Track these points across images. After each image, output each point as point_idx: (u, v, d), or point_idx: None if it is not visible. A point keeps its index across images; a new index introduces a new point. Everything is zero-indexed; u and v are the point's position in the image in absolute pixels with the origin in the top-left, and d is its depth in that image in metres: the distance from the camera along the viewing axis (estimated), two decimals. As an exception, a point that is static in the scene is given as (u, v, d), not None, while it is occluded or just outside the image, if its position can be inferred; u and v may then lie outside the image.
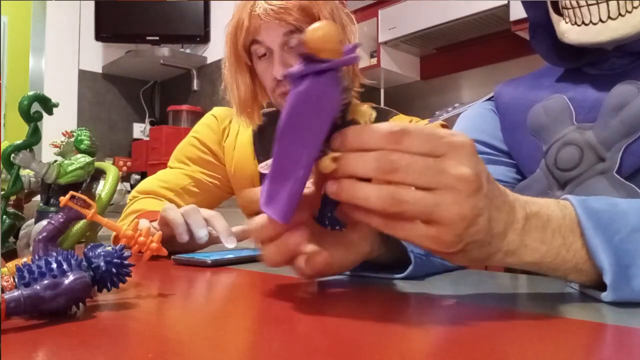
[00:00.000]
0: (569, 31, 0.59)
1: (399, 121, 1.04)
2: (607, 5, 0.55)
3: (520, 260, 0.38)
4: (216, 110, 1.12)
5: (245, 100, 0.97)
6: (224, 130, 1.09)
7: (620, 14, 0.55)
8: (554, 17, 0.62)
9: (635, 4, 0.54)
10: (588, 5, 0.56)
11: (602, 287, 0.38)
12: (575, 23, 0.58)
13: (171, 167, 1.07)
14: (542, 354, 0.26)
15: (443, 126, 0.97)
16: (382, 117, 1.05)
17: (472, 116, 0.76)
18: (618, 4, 0.55)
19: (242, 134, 1.06)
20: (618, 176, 0.54)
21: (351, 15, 0.97)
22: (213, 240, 0.68)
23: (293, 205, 0.34)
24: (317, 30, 0.31)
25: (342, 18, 0.94)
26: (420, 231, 0.34)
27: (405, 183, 0.33)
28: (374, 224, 0.35)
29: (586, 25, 0.57)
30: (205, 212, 0.69)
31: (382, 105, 1.12)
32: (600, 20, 0.56)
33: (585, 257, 0.38)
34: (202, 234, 0.65)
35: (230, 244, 0.67)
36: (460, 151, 0.34)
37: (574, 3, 0.57)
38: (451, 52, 2.13)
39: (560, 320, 0.33)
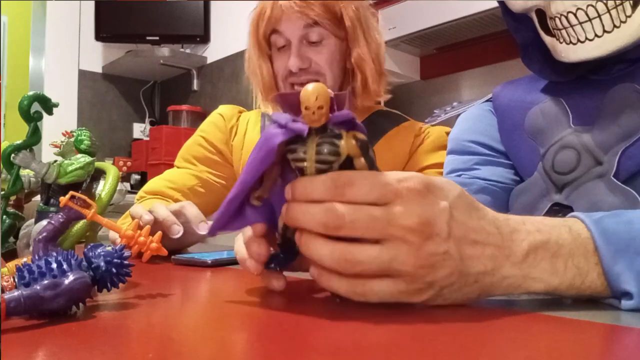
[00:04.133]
0: (566, 50, 0.57)
1: (410, 128, 1.03)
2: (600, 19, 0.53)
3: (529, 291, 0.37)
4: (223, 109, 1.11)
5: (270, 85, 0.99)
6: (232, 129, 1.08)
7: (615, 26, 0.52)
8: (547, 39, 0.59)
9: (628, 12, 0.52)
10: (580, 23, 0.54)
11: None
12: (571, 42, 0.56)
13: (178, 167, 1.07)
14: (547, 355, 0.26)
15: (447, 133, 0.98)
16: (392, 122, 1.04)
17: (471, 117, 0.76)
18: (611, 16, 0.52)
19: (250, 133, 1.06)
20: (615, 180, 0.53)
21: (372, 9, 1.00)
22: (187, 229, 0.67)
23: (221, 221, 0.38)
24: (312, 91, 0.34)
25: (367, 16, 0.96)
26: (389, 287, 0.33)
27: (354, 237, 0.32)
28: (341, 291, 0.34)
29: (582, 42, 0.54)
30: (174, 206, 0.69)
31: (382, 105, 1.11)
32: (597, 35, 0.53)
33: (602, 287, 0.37)
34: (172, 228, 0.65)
35: (202, 230, 0.67)
36: (407, 198, 0.32)
37: (565, 23, 0.55)
38: (451, 52, 2.13)
39: (564, 320, 0.33)
